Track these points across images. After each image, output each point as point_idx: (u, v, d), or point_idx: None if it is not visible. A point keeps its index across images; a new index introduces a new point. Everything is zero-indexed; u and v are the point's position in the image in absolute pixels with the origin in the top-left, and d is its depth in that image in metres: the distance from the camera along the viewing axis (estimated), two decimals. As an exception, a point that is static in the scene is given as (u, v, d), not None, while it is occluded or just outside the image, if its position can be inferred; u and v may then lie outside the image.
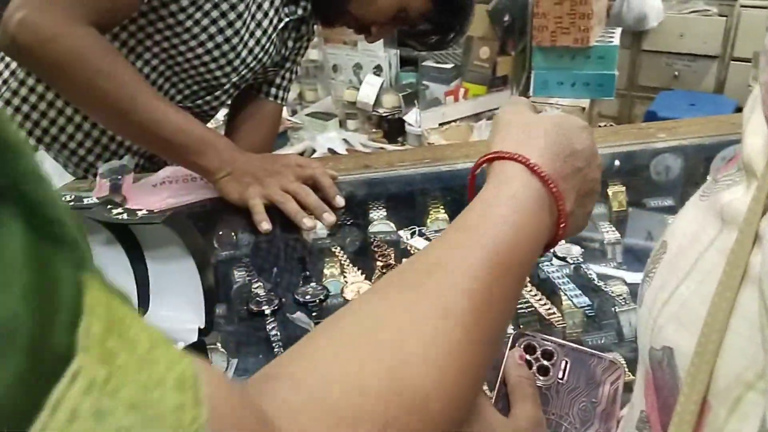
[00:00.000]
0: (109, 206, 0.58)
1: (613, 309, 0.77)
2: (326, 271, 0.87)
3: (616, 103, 2.83)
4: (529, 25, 2.13)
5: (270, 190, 0.95)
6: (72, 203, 0.59)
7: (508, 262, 0.46)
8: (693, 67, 2.74)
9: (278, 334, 0.72)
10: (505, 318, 0.47)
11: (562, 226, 0.52)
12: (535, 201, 0.50)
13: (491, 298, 0.44)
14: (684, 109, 2.50)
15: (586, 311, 0.74)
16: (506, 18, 2.13)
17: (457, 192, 1.06)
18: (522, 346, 0.56)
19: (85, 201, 0.59)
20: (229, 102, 1.23)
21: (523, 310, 0.77)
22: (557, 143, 0.53)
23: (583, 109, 2.17)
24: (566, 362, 0.55)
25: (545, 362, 0.55)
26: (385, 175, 1.08)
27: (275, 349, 0.71)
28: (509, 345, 0.56)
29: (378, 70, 2.27)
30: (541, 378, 0.54)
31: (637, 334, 0.41)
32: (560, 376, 0.54)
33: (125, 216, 0.56)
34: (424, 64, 2.19)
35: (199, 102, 1.13)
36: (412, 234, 0.91)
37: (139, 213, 0.57)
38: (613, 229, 0.95)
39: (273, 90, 1.23)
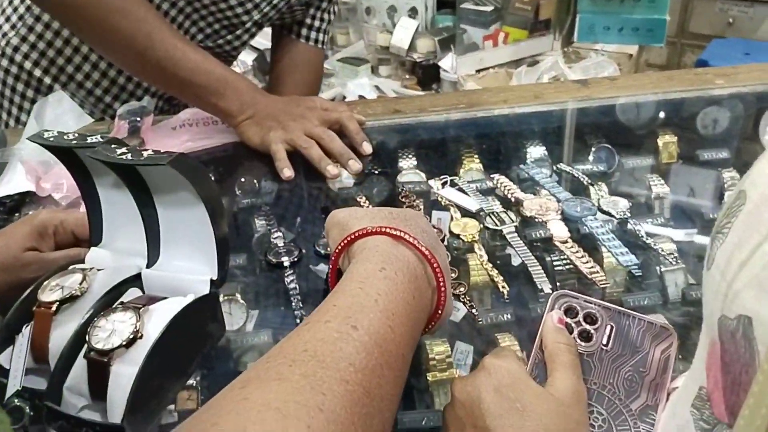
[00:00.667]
0: (113, 145, 0.53)
1: (657, 268, 0.70)
2: (352, 222, 0.82)
3: (665, 51, 2.68)
4: (575, -36, 1.99)
5: (293, 135, 0.90)
6: (74, 142, 0.54)
7: (387, 349, 0.42)
8: (749, 14, 2.56)
9: (297, 287, 0.68)
10: (388, 409, 0.42)
11: (443, 290, 0.50)
12: (410, 270, 0.48)
13: (370, 389, 0.40)
14: (738, 58, 2.34)
15: (633, 270, 0.68)
16: (551, -43, 2.00)
17: (494, 140, 1.00)
18: (562, 308, 0.50)
19: (89, 140, 0.54)
20: (251, 42, 1.17)
21: (561, 268, 0.71)
22: (409, 218, 0.54)
23: (630, 56, 2.05)
24: (611, 327, 0.49)
25: (588, 327, 0.49)
26: (416, 121, 1.02)
27: (293, 303, 0.66)
28: (548, 307, 0.50)
29: (413, 12, 2.17)
30: (582, 344, 0.49)
31: (704, 301, 0.35)
32: (604, 342, 0.49)
33: (129, 156, 0.52)
34: (462, 6, 2.07)
35: (221, 42, 1.07)
36: (444, 184, 0.85)
37: (145, 153, 0.52)
38: (662, 182, 0.88)
39: (313, 33, 1.16)
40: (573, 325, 0.50)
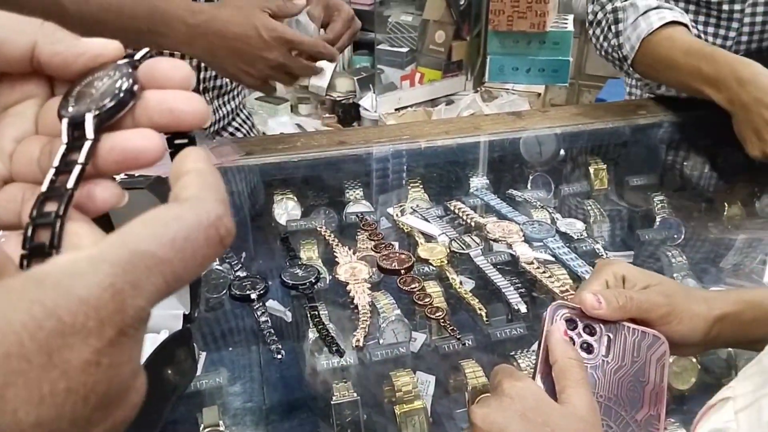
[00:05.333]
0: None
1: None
2: (303, 255, 0.80)
3: (564, 92, 2.84)
4: (485, 9, 2.09)
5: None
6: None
7: None
8: (639, 56, 2.77)
9: (269, 320, 0.64)
10: None
11: None
12: None
13: None
14: (632, 97, 2.51)
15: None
16: (462, 1, 2.09)
17: (437, 169, 1.00)
18: (562, 320, 0.50)
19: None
20: None
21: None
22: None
23: (539, 95, 2.16)
24: (608, 338, 0.49)
25: (589, 338, 0.49)
26: (362, 152, 1.01)
27: (267, 337, 0.62)
28: (548, 319, 0.50)
29: (330, 53, 2.19)
30: (585, 356, 0.49)
31: None
32: (603, 353, 0.49)
33: (98, 181, 0.47)
34: (379, 47, 2.12)
35: None
36: (402, 212, 0.84)
37: (116, 177, 0.47)
38: (599, 207, 0.92)
39: None
40: (575, 337, 0.49)
